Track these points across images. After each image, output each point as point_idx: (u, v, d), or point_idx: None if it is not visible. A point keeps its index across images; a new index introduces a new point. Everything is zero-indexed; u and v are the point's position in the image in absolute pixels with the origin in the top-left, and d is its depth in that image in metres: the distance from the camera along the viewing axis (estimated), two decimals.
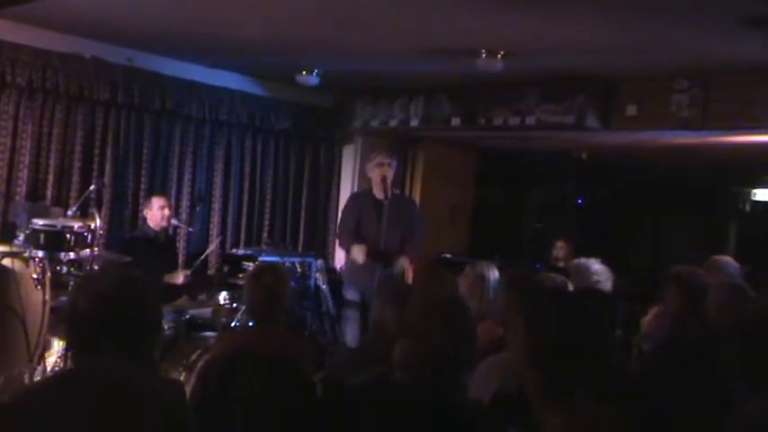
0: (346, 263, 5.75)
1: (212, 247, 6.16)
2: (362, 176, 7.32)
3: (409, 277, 5.59)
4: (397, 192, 5.80)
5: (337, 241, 6.30)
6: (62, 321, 4.24)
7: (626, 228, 10.36)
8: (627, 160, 8.66)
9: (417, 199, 7.40)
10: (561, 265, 6.80)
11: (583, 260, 4.49)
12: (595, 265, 4.39)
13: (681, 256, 7.05)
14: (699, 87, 5.31)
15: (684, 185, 9.72)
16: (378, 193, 5.45)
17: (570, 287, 3.98)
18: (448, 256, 7.50)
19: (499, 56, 5.05)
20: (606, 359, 2.00)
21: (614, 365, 2.92)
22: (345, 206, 6.00)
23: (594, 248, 5.67)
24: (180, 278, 5.39)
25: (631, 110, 5.65)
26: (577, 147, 7.68)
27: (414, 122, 6.71)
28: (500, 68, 5.11)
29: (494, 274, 4.15)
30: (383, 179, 5.37)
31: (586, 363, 1.90)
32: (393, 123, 6.85)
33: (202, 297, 5.33)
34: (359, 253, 5.30)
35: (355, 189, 7.17)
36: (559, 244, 7.20)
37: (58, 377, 2.05)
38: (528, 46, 4.93)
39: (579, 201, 10.42)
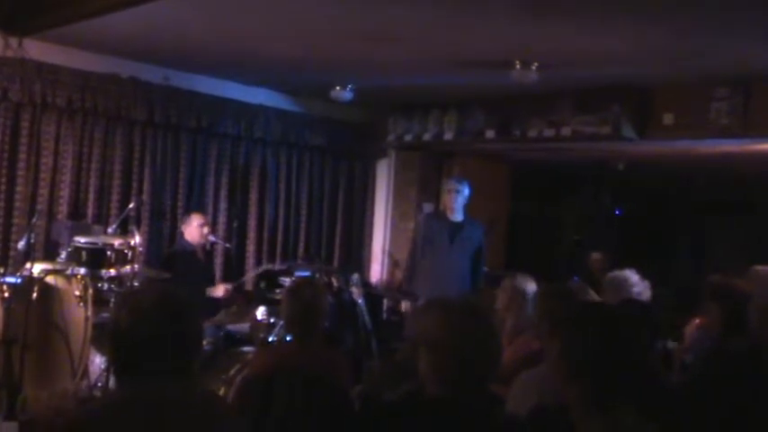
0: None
1: (261, 269, 6.22)
2: (397, 190, 7.37)
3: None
4: (468, 215, 6.07)
5: (407, 262, 6.44)
6: (104, 338, 4.32)
7: (666, 238, 10.21)
8: (664, 170, 8.54)
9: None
10: (597, 276, 6.73)
11: (619, 272, 4.44)
12: (632, 277, 4.33)
13: (722, 266, 6.93)
14: (739, 95, 5.22)
15: (724, 194, 9.56)
16: (450, 215, 5.87)
17: (593, 297, 3.93)
18: (484, 269, 7.45)
19: (533, 67, 5.03)
20: (646, 372, 1.97)
21: (655, 378, 2.87)
22: (418, 226, 6.28)
23: (634, 259, 5.59)
24: (221, 291, 5.45)
25: (668, 118, 5.57)
26: (614, 157, 7.59)
27: (447, 136, 6.70)
28: (534, 80, 5.09)
29: (531, 287, 4.12)
30: (451, 204, 5.82)
31: (626, 376, 1.87)
32: (427, 137, 6.85)
33: (238, 310, 5.38)
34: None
35: (390, 203, 7.24)
36: (595, 256, 7.13)
37: (115, 400, 2.05)
38: (562, 56, 4.90)
39: (617, 212, 10.30)
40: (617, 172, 8.14)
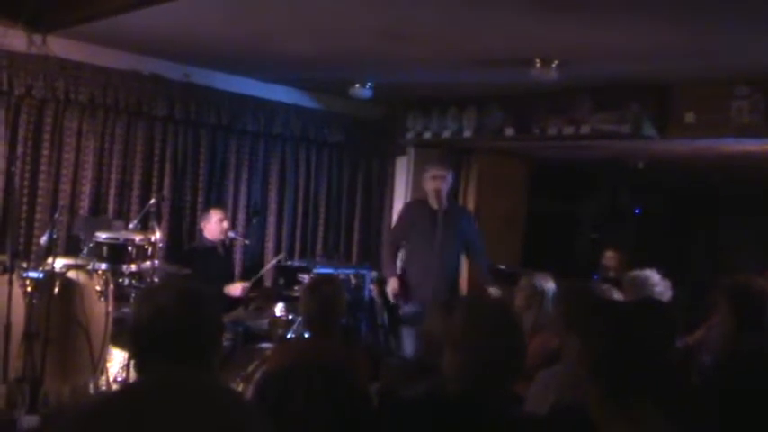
0: (395, 297, 5.75)
1: (273, 262, 6.22)
2: (416, 188, 7.34)
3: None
4: (453, 203, 5.81)
5: (383, 248, 6.31)
6: (124, 333, 4.36)
7: (684, 237, 10.14)
8: (684, 168, 8.48)
9: (470, 210, 7.40)
10: (612, 274, 6.69)
11: (640, 271, 4.42)
12: (653, 276, 4.31)
13: (740, 266, 6.87)
14: (760, 93, 5.17)
15: (744, 193, 9.47)
16: (434, 203, 5.48)
17: (617, 296, 3.91)
18: (502, 267, 7.44)
19: (553, 65, 5.01)
20: (666, 371, 1.96)
21: (675, 378, 2.86)
22: (399, 215, 6.04)
23: (652, 258, 5.57)
24: (239, 290, 5.47)
25: (689, 117, 5.53)
26: (633, 156, 7.55)
27: (467, 133, 6.69)
28: (554, 78, 5.07)
29: (549, 285, 4.11)
30: (437, 191, 5.42)
31: (646, 374, 1.87)
32: (446, 134, 6.84)
33: (257, 306, 5.41)
34: (394, 286, 5.49)
35: (408, 200, 7.19)
36: (609, 254, 7.08)
37: (131, 387, 2.07)
38: (582, 54, 4.88)
39: (636, 210, 10.24)
40: (636, 170, 8.10)
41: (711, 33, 4.28)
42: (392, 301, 5.57)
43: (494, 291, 5.41)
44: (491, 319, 2.21)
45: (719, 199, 9.63)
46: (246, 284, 5.53)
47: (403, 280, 5.52)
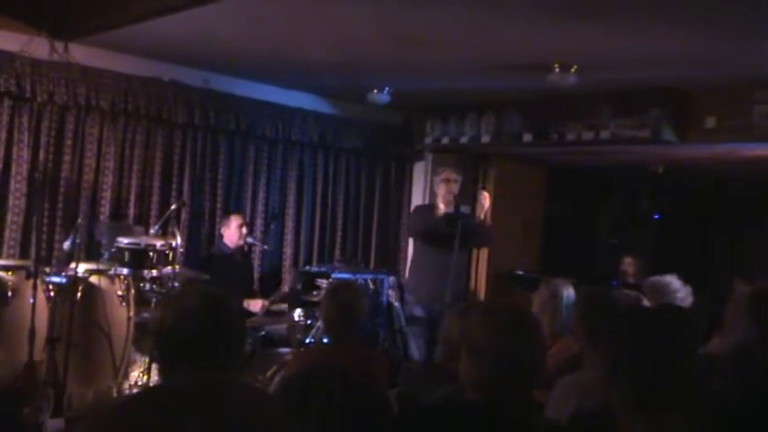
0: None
1: (285, 288, 6.00)
2: (433, 193, 7.34)
3: (487, 214, 5.59)
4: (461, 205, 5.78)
5: (411, 239, 6.22)
6: (146, 337, 4.39)
7: (705, 242, 10.06)
8: (704, 173, 8.43)
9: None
10: (631, 280, 6.66)
11: (660, 277, 4.39)
12: (674, 282, 4.28)
13: (761, 271, 6.80)
14: None
15: (765, 199, 9.38)
16: (445, 207, 5.49)
17: (646, 303, 3.89)
18: (520, 272, 7.43)
19: (572, 70, 5.00)
20: (689, 378, 1.95)
21: (698, 385, 2.84)
22: (413, 215, 6.02)
23: (672, 264, 5.53)
24: (258, 306, 5.49)
25: (710, 122, 5.50)
26: (653, 161, 7.51)
27: (485, 139, 6.68)
28: (573, 83, 5.06)
29: (568, 291, 4.09)
30: (453, 195, 5.43)
31: (670, 381, 1.86)
32: (464, 140, 6.84)
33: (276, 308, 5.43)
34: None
35: (417, 205, 7.21)
36: (627, 260, 7.05)
37: (156, 390, 2.09)
38: (601, 59, 4.86)
39: (656, 216, 10.18)
40: (656, 175, 8.05)
41: (732, 38, 4.25)
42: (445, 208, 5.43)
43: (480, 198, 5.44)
44: (509, 324, 2.17)
45: (740, 204, 9.54)
46: (266, 302, 5.54)
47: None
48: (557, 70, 5.01)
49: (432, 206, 5.71)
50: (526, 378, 2.14)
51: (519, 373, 2.11)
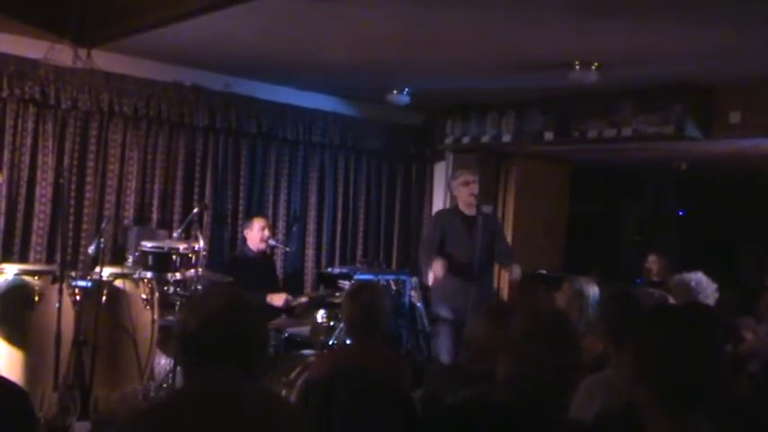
0: (436, 281, 5.69)
1: (304, 300, 5.80)
2: (453, 197, 7.32)
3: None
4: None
5: (420, 258, 6.24)
6: (170, 340, 4.42)
7: (730, 239, 9.94)
8: (729, 169, 8.32)
9: (510, 215, 7.37)
10: (656, 279, 6.59)
11: (684, 275, 4.34)
12: (700, 280, 4.23)
13: None
14: None
15: None
16: (467, 209, 5.44)
17: (672, 301, 3.85)
18: (543, 271, 7.38)
19: (593, 67, 4.96)
20: (717, 377, 1.93)
21: (725, 384, 2.81)
22: (432, 225, 6.01)
23: (698, 261, 5.48)
24: (281, 300, 5.50)
25: (735, 117, 5.42)
26: (676, 157, 7.43)
27: (506, 138, 6.65)
28: (594, 80, 5.03)
29: (593, 290, 4.06)
30: (473, 197, 5.39)
31: (697, 381, 1.84)
32: (485, 139, 6.81)
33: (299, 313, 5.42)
34: (439, 267, 5.21)
35: (447, 206, 7.16)
36: (651, 258, 6.98)
37: (182, 393, 2.11)
38: (623, 56, 4.83)
39: (680, 212, 10.08)
40: (680, 172, 7.97)
41: (754, 33, 4.20)
42: (439, 275, 5.29)
43: (515, 269, 5.39)
44: (550, 327, 2.22)
45: (765, 200, 9.41)
46: (289, 296, 5.55)
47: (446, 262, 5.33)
48: (577, 67, 4.99)
49: (453, 210, 5.68)
50: (563, 380, 2.17)
51: (557, 375, 2.14)
